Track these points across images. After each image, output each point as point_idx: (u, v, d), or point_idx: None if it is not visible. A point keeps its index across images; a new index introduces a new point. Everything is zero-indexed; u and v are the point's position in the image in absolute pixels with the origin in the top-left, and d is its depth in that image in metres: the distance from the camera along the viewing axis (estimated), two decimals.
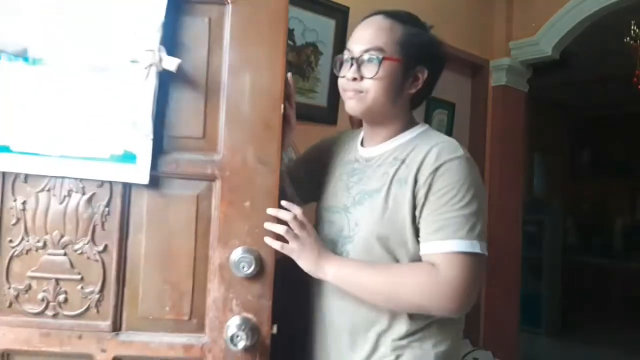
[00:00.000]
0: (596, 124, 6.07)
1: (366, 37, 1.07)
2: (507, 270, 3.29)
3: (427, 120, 3.07)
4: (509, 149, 3.29)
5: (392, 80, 1.06)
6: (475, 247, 0.96)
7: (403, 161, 1.05)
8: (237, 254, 1.04)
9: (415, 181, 1.00)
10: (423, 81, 1.10)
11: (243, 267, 1.03)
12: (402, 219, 1.01)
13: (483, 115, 3.30)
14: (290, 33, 2.20)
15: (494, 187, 3.25)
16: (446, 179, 0.99)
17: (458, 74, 3.29)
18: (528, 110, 3.55)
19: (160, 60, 1.00)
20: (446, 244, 0.96)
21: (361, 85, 1.06)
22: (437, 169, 0.99)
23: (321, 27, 2.36)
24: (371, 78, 1.04)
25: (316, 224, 1.18)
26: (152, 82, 1.01)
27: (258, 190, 1.05)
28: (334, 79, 2.48)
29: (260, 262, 1.04)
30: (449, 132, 3.18)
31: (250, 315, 1.04)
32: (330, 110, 2.44)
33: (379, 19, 1.08)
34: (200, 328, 1.06)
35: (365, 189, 1.07)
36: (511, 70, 3.26)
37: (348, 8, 2.44)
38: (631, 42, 2.92)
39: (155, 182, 1.06)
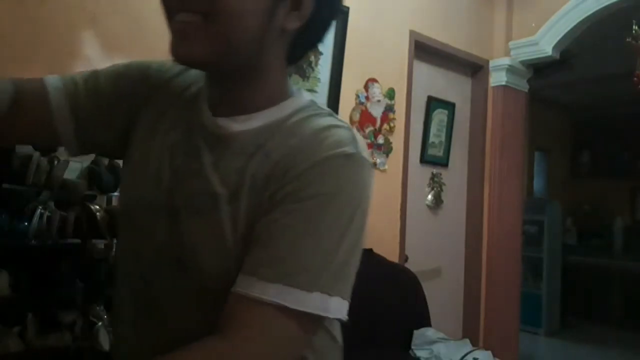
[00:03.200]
0: (596, 124, 6.07)
1: None
2: (507, 270, 3.29)
3: (427, 120, 3.07)
4: (509, 149, 3.29)
5: None
6: (334, 308, 0.57)
7: (263, 149, 0.63)
8: None
9: (270, 182, 0.60)
10: (308, 13, 0.63)
11: None
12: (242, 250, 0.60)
13: (483, 115, 3.30)
14: None
15: (494, 187, 3.25)
16: (317, 185, 0.58)
17: (458, 74, 3.29)
18: (528, 110, 3.56)
19: None
20: (284, 291, 0.55)
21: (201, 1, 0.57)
22: (310, 167, 0.59)
23: None
24: None
25: (119, 227, 0.74)
26: None
27: None
28: (334, 79, 2.49)
29: None
30: (449, 132, 3.18)
31: None
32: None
33: None
34: None
35: (206, 188, 0.63)
36: (511, 70, 3.26)
37: (348, 8, 2.44)
38: (632, 41, 2.92)
39: None
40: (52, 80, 0.70)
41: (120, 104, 0.72)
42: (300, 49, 0.69)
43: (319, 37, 0.69)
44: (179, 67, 0.73)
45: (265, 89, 0.66)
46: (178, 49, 0.60)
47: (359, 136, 0.64)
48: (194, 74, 0.72)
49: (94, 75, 0.72)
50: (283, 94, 0.67)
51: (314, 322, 0.58)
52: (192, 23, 0.58)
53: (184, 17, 0.58)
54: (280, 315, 0.55)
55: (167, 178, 0.66)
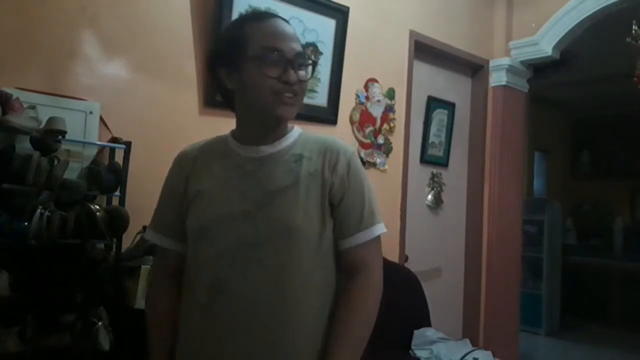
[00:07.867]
0: (596, 124, 6.07)
1: (294, 37, 1.05)
2: (507, 270, 3.29)
3: (427, 120, 3.07)
4: (509, 149, 3.29)
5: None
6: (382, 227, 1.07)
7: (302, 156, 1.05)
8: None
9: (323, 173, 1.03)
10: None
11: None
12: (314, 210, 1.01)
13: (483, 115, 3.30)
14: None
15: (494, 187, 3.25)
16: (357, 172, 1.06)
17: (458, 74, 3.29)
18: (528, 110, 3.56)
19: None
20: (374, 229, 1.04)
21: (296, 88, 1.03)
22: (347, 163, 1.05)
23: (321, 27, 2.36)
24: (305, 81, 1.05)
25: (195, 242, 1.05)
26: None
27: None
28: (334, 79, 2.49)
29: None
30: (449, 132, 3.18)
31: None
32: (330, 110, 2.43)
33: (284, 22, 1.07)
34: None
35: (270, 189, 1.01)
36: (511, 70, 3.26)
37: (348, 8, 2.44)
38: (632, 41, 2.92)
39: None
40: (169, 243, 1.11)
41: (183, 198, 1.09)
42: None
43: None
44: (198, 144, 1.13)
45: (286, 123, 1.09)
46: (283, 112, 1.01)
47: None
48: (200, 144, 1.13)
49: (169, 206, 1.12)
50: (289, 125, 1.10)
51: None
52: (293, 98, 1.02)
53: (291, 96, 1.01)
54: (377, 243, 1.06)
55: (236, 197, 1.02)
